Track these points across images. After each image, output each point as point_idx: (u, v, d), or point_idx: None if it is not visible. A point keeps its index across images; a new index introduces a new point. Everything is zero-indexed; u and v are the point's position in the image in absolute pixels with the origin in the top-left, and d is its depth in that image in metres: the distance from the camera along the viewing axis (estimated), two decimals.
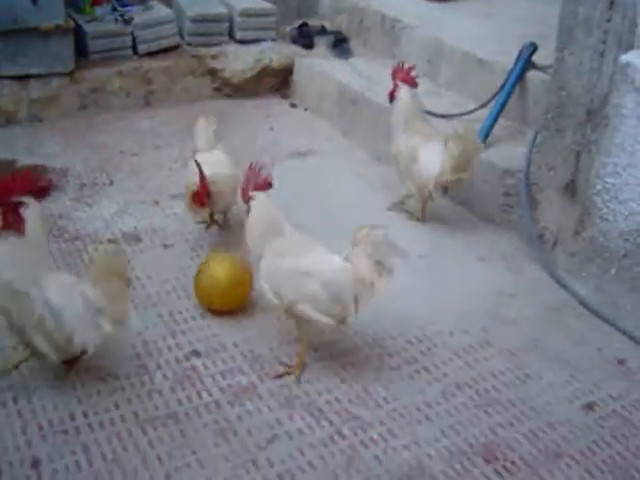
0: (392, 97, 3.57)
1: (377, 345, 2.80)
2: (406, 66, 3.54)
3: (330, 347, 2.77)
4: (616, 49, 2.99)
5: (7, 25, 4.18)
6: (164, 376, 2.61)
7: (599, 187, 3.05)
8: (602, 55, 3.05)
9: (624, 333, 2.97)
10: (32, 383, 2.55)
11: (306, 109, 4.72)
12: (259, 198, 2.62)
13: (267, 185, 2.66)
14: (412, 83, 3.53)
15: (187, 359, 2.70)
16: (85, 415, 2.44)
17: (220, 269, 2.90)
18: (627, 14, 2.93)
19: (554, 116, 3.29)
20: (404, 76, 3.53)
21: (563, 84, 3.22)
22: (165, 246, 3.34)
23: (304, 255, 2.60)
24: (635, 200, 2.93)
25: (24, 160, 4.03)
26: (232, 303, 2.93)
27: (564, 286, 3.19)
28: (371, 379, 2.64)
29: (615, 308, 3.04)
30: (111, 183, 3.84)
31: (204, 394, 2.54)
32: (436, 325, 2.92)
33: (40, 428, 2.38)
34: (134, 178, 3.89)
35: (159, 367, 2.65)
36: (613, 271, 3.06)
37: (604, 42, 3.04)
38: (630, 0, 2.90)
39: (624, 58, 2.88)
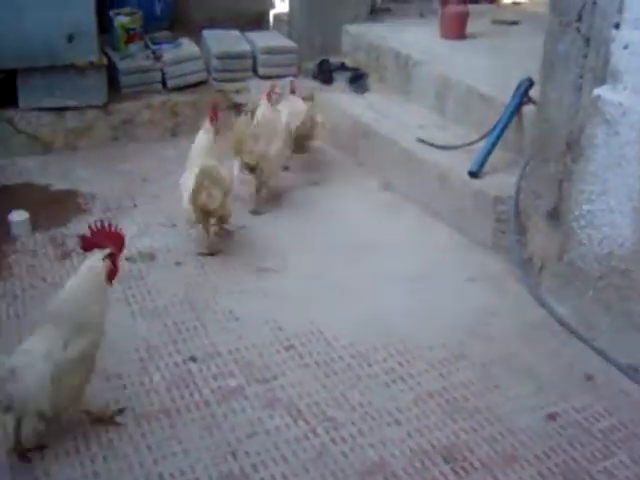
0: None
1: (360, 356, 3.03)
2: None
3: (316, 356, 3.01)
4: (591, 84, 3.20)
5: (46, 62, 4.55)
6: (162, 377, 2.88)
7: (577, 213, 3.25)
8: (579, 89, 3.27)
9: (597, 351, 3.14)
10: None
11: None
12: None
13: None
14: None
15: (184, 363, 2.96)
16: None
17: None
18: (600, 51, 3.14)
19: (539, 147, 3.51)
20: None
21: (546, 117, 3.44)
22: (177, 264, 3.63)
23: None
24: (607, 225, 3.13)
25: (58, 185, 4.38)
26: None
27: (545, 306, 3.38)
28: (349, 386, 2.87)
29: (590, 327, 3.22)
30: (134, 206, 4.16)
31: (196, 394, 2.80)
32: (417, 339, 3.13)
33: None
34: (156, 202, 4.19)
35: (158, 369, 2.93)
36: (590, 293, 3.25)
37: (581, 77, 3.25)
38: (603, 38, 3.12)
39: (596, 92, 3.09)
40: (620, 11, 3.03)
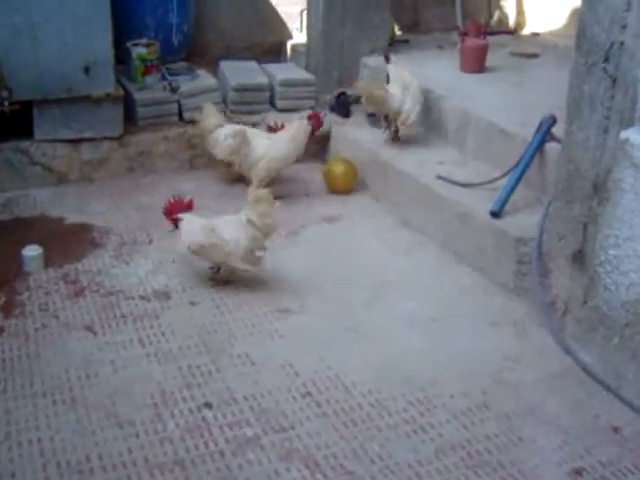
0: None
1: (379, 405, 2.94)
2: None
3: (334, 404, 2.93)
4: (619, 125, 3.12)
5: (62, 93, 4.51)
6: (176, 425, 2.80)
7: (602, 258, 3.16)
8: (606, 131, 3.19)
9: (624, 401, 3.04)
10: (56, 426, 2.78)
11: None
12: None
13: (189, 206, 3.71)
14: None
15: (199, 410, 2.88)
16: (100, 458, 2.64)
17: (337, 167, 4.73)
18: (628, 92, 3.07)
19: (564, 188, 3.43)
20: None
21: (571, 158, 3.37)
22: (192, 303, 3.56)
23: None
24: (635, 271, 3.04)
25: (72, 218, 4.33)
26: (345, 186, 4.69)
27: (569, 353, 3.29)
28: (369, 437, 2.78)
29: (617, 376, 3.13)
30: (150, 242, 4.09)
31: (211, 444, 2.72)
32: (438, 387, 3.04)
33: (58, 466, 2.60)
34: (172, 238, 4.09)
35: (173, 416, 2.85)
36: (616, 340, 3.16)
37: (608, 118, 3.18)
38: (631, 79, 3.05)
39: (623, 134, 3.01)
40: None
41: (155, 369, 3.11)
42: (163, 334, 3.33)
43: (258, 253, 3.59)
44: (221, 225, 3.63)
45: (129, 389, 2.99)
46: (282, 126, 4.64)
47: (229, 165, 4.64)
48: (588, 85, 3.23)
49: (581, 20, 3.26)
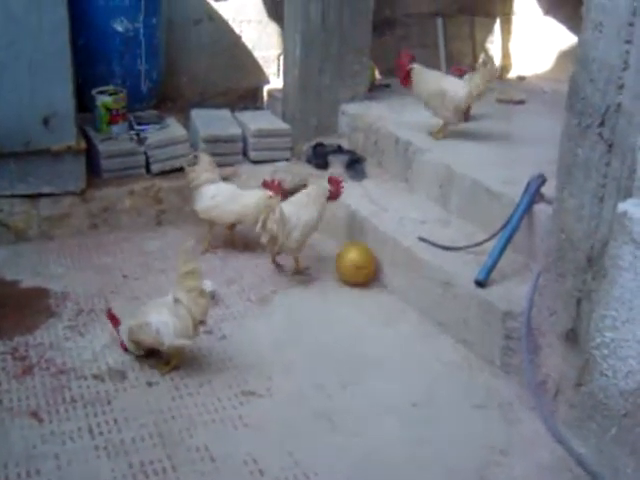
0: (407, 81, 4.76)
1: None
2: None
3: None
4: (616, 195, 2.86)
5: (19, 147, 4.22)
6: None
7: (598, 340, 2.88)
8: (602, 200, 2.92)
9: None
10: None
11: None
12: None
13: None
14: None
15: None
16: None
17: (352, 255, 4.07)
18: (626, 159, 2.80)
19: (555, 259, 3.16)
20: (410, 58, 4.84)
21: (563, 226, 3.10)
22: (149, 384, 3.24)
23: None
24: (634, 358, 2.75)
25: (28, 281, 4.02)
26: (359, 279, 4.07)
27: (561, 442, 2.99)
28: None
29: (614, 471, 2.83)
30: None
31: None
32: None
33: None
34: (132, 305, 3.78)
35: None
36: (613, 431, 2.86)
37: (603, 186, 2.91)
38: (628, 145, 2.78)
39: (621, 207, 2.73)
40: None
41: (103, 465, 2.78)
42: (115, 422, 3.01)
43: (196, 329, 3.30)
44: (149, 309, 3.34)
45: None
46: (278, 183, 4.14)
47: (272, 244, 3.97)
48: (582, 149, 2.97)
49: (573, 79, 3.00)
